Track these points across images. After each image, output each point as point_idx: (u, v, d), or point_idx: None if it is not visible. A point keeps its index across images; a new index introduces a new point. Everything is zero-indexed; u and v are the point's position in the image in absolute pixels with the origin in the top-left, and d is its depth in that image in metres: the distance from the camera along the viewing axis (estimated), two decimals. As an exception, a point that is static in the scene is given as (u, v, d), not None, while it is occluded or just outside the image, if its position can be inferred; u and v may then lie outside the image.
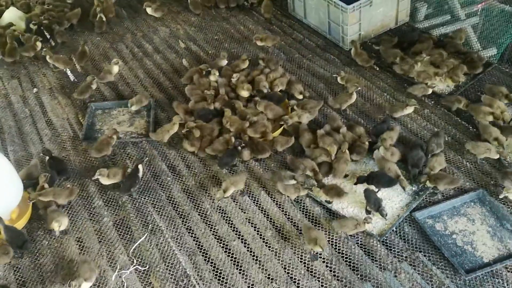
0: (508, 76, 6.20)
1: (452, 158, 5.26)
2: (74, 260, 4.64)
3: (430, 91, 5.92)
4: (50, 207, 4.92)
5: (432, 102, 5.99)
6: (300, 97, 6.03)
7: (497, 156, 5.04)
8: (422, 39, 6.71)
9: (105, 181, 5.14)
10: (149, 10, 7.81)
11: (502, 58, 6.58)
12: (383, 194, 4.92)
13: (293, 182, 4.96)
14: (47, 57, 6.92)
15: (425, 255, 4.41)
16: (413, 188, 4.95)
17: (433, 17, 7.30)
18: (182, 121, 5.66)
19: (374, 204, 4.67)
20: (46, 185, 5.08)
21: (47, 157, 5.38)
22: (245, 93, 6.01)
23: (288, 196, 4.99)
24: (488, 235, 4.50)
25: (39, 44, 7.21)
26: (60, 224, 4.73)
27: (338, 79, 6.24)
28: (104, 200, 5.19)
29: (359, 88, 5.98)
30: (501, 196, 4.71)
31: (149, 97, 6.23)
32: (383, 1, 6.87)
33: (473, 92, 6.01)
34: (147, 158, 5.57)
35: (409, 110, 5.70)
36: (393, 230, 4.61)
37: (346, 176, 5.15)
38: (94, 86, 6.39)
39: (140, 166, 5.20)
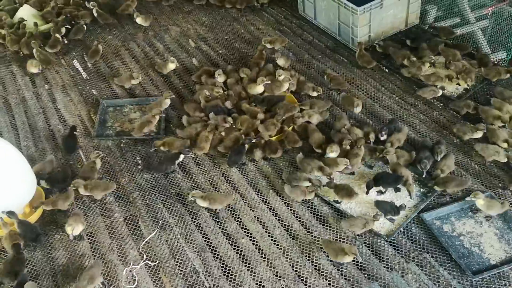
0: (517, 80, 6.23)
1: (461, 160, 5.29)
2: (86, 254, 4.72)
3: (440, 93, 5.95)
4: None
5: (441, 104, 6.02)
6: (315, 94, 6.09)
7: (505, 160, 5.06)
8: (433, 40, 6.74)
9: (82, 191, 5.07)
10: (139, 20, 7.70)
11: (511, 61, 6.60)
12: (391, 195, 4.96)
13: (307, 184, 4.99)
14: (34, 51, 7.12)
15: (432, 256, 4.45)
16: (422, 190, 4.98)
17: (442, 20, 7.32)
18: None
19: (393, 211, 4.72)
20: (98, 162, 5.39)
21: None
22: (260, 88, 6.07)
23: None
24: (496, 237, 4.53)
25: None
26: (73, 228, 4.74)
27: (325, 76, 6.40)
28: (115, 196, 5.26)
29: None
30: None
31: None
32: (394, 3, 6.90)
33: (482, 95, 6.03)
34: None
35: (479, 134, 5.37)
36: (400, 231, 4.65)
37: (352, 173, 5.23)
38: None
39: (182, 155, 5.37)
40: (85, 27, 7.81)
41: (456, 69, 6.15)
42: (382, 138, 5.38)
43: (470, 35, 6.96)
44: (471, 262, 4.35)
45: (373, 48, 6.90)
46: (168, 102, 6.04)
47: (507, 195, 4.89)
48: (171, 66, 6.83)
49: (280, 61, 6.59)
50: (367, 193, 4.91)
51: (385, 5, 6.81)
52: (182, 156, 5.41)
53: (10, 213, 4.66)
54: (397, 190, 5.00)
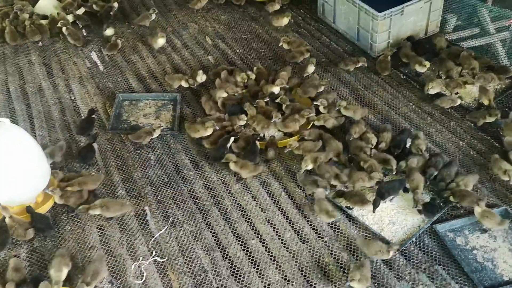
0: (537, 93, 6.15)
1: (477, 173, 5.22)
2: (95, 247, 4.72)
3: (458, 102, 5.89)
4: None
5: (459, 115, 5.96)
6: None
7: None
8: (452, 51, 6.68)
9: (58, 200, 4.97)
10: (161, 41, 7.24)
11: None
12: (404, 204, 4.91)
13: (323, 191, 4.94)
14: (64, 29, 7.36)
15: (444, 269, 4.40)
16: (436, 202, 4.92)
17: (462, 30, 7.26)
18: (216, 128, 5.58)
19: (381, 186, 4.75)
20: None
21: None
22: (276, 89, 6.05)
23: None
24: (510, 253, 4.46)
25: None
26: (57, 273, 4.38)
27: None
28: (127, 190, 5.27)
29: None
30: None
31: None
32: (415, 10, 6.84)
33: (500, 108, 5.97)
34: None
35: (492, 118, 5.56)
36: (413, 241, 4.61)
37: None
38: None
39: (232, 139, 5.39)
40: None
41: (486, 81, 6.06)
42: (395, 152, 5.31)
43: (489, 46, 6.89)
44: (483, 277, 4.29)
45: (394, 54, 6.82)
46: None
47: (522, 211, 4.83)
48: (161, 41, 7.07)
49: (310, 68, 6.51)
50: (373, 211, 4.79)
51: (406, 12, 6.76)
52: (232, 139, 5.44)
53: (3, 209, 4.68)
54: (405, 190, 4.98)
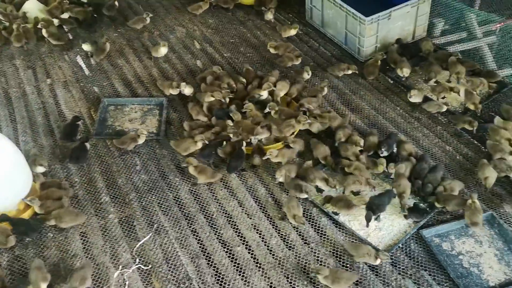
0: (523, 98, 6.17)
1: (463, 178, 5.21)
2: (78, 255, 4.65)
3: (444, 108, 5.89)
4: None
5: (445, 119, 5.95)
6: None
7: None
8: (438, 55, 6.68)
9: (38, 210, 4.82)
10: (163, 51, 7.08)
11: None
12: (391, 209, 4.88)
13: (304, 196, 4.93)
14: (43, 31, 7.30)
15: (430, 274, 4.37)
16: (422, 205, 4.90)
17: (449, 34, 7.27)
18: (205, 142, 5.44)
19: (371, 201, 4.72)
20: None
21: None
22: (264, 93, 6.02)
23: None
24: (495, 258, 4.45)
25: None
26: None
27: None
28: (112, 196, 5.20)
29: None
30: None
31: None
32: (402, 15, 6.84)
33: (486, 112, 5.97)
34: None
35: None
36: (399, 247, 4.58)
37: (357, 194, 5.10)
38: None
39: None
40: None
41: (474, 86, 6.07)
42: (382, 155, 5.29)
43: (476, 50, 6.91)
44: (469, 283, 4.27)
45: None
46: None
47: (508, 215, 4.82)
48: (163, 50, 6.97)
49: (305, 75, 6.49)
50: (367, 225, 4.73)
51: (393, 16, 6.75)
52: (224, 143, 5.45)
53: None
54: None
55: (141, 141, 5.62)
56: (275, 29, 7.69)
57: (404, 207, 4.77)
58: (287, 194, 5.13)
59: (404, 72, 6.30)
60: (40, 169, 5.24)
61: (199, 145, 5.43)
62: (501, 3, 6.82)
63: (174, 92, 6.26)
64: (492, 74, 6.35)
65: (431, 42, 6.89)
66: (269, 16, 7.78)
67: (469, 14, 7.00)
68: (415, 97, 5.98)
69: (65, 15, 7.82)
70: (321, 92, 6.20)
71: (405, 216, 4.79)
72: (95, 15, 7.92)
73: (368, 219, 4.68)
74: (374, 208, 4.71)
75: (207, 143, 5.43)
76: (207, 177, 5.22)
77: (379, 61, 6.61)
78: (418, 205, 4.88)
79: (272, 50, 6.91)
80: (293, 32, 7.32)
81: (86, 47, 7.13)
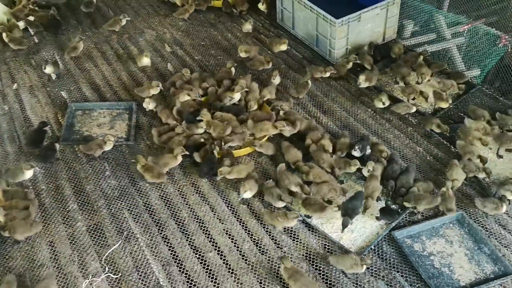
0: (491, 98, 6.25)
1: (433, 178, 5.25)
2: (45, 264, 4.51)
3: (413, 109, 5.93)
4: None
5: (416, 120, 6.00)
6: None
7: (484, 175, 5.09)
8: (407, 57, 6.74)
9: (2, 219, 4.71)
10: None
11: (485, 79, 6.65)
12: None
13: (281, 203, 4.86)
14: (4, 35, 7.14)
15: (402, 275, 4.38)
16: (393, 207, 4.92)
17: (419, 35, 7.35)
18: (184, 153, 5.31)
19: (345, 207, 4.70)
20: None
21: None
22: (237, 95, 5.99)
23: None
24: (466, 258, 4.49)
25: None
26: None
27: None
28: (79, 204, 5.06)
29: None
30: None
31: None
32: (372, 17, 6.88)
33: (455, 113, 6.04)
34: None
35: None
36: (371, 248, 4.58)
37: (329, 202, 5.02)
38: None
39: (215, 151, 5.28)
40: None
41: (445, 87, 6.13)
42: (356, 155, 5.29)
43: (445, 51, 7.00)
44: (440, 283, 4.29)
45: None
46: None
47: (477, 214, 4.87)
48: (145, 60, 6.83)
49: (276, 80, 6.41)
50: (342, 231, 4.67)
51: (363, 18, 6.78)
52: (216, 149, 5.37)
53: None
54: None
55: (108, 147, 5.49)
56: (246, 32, 7.65)
57: (367, 209, 4.78)
58: (259, 199, 5.08)
59: (361, 79, 6.27)
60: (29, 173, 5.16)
61: (179, 158, 5.30)
62: (469, 5, 6.92)
63: (155, 91, 6.13)
64: (460, 75, 6.44)
65: (401, 44, 6.93)
66: (248, 27, 7.54)
67: (438, 16, 7.10)
68: (364, 83, 6.15)
69: (31, 18, 7.62)
70: (273, 78, 6.26)
71: (377, 218, 4.80)
72: (58, 18, 7.75)
73: (345, 225, 4.64)
74: (350, 213, 4.68)
75: (187, 153, 5.33)
76: (153, 175, 5.15)
77: (351, 63, 6.61)
78: (389, 207, 4.89)
79: (242, 54, 6.85)
80: (284, 47, 7.04)
81: (49, 69, 6.61)
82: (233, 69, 6.51)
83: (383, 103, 6.02)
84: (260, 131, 5.56)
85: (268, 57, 6.77)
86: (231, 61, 6.58)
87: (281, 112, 5.83)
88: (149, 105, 6.02)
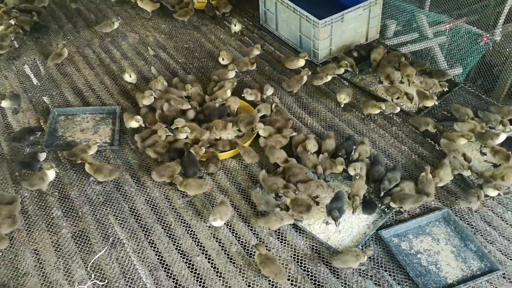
0: (473, 96, 6.31)
1: (419, 176, 5.27)
2: (29, 273, 4.43)
3: (397, 110, 5.96)
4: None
5: (400, 119, 6.03)
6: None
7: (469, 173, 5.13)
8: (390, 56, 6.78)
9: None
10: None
11: (467, 78, 6.72)
12: (349, 212, 4.88)
13: (278, 209, 4.85)
14: None
15: (390, 274, 4.40)
16: (380, 206, 4.93)
17: (401, 35, 7.41)
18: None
19: (330, 208, 4.71)
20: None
21: None
22: (228, 93, 6.03)
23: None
24: (452, 255, 4.52)
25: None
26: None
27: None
28: (64, 211, 4.99)
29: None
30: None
31: None
32: (355, 17, 6.91)
33: (439, 111, 6.09)
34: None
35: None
36: (359, 248, 4.57)
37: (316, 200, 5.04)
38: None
39: (192, 150, 5.25)
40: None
41: (428, 87, 6.18)
42: (342, 156, 5.29)
43: (428, 50, 7.06)
44: (428, 281, 4.31)
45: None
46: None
47: (463, 212, 4.91)
48: (127, 77, 6.50)
49: (269, 92, 6.29)
50: (337, 225, 4.71)
51: (346, 19, 6.81)
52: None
53: None
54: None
55: (92, 151, 5.42)
56: (230, 34, 7.63)
57: (355, 209, 4.78)
58: (245, 201, 5.06)
59: (341, 98, 6.18)
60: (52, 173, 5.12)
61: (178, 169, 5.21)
62: (450, 4, 7.00)
63: (147, 102, 5.93)
64: (442, 73, 6.49)
65: (382, 49, 6.88)
66: (236, 28, 7.48)
67: (419, 15, 7.17)
68: (345, 101, 6.10)
69: (12, 22, 7.50)
70: (301, 81, 6.34)
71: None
72: (41, 23, 7.66)
73: (335, 218, 4.64)
74: (337, 215, 4.68)
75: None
76: (104, 175, 5.12)
77: (342, 69, 6.59)
78: (370, 200, 4.91)
79: (222, 62, 6.72)
80: (302, 62, 6.64)
81: (5, 104, 6.10)
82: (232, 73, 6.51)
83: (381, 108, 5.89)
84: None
85: (252, 58, 6.75)
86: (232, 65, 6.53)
87: (273, 106, 5.92)
88: (130, 123, 5.77)
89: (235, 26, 6.29)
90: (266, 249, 4.60)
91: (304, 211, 4.77)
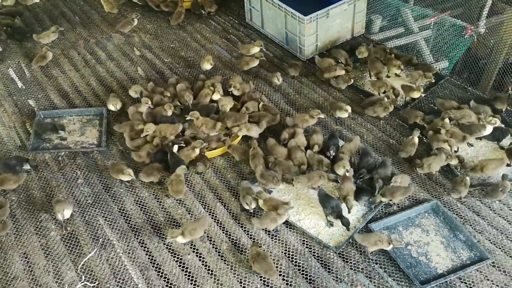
0: (459, 88, 6.36)
1: (407, 169, 5.31)
2: (18, 277, 4.38)
3: (391, 109, 5.95)
4: None
5: (387, 113, 6.05)
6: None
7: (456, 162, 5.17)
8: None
9: None
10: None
11: (453, 70, 6.77)
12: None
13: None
14: None
15: (381, 267, 4.41)
16: (369, 199, 4.94)
17: (387, 30, 7.44)
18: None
19: (333, 211, 4.67)
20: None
21: None
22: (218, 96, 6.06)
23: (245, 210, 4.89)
24: (442, 246, 4.55)
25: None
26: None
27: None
28: (52, 213, 4.94)
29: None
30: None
31: None
32: (340, 13, 6.93)
33: (426, 104, 6.12)
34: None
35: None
36: (349, 242, 4.59)
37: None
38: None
39: (175, 146, 5.29)
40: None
41: (413, 79, 6.21)
42: (330, 155, 5.30)
43: (413, 44, 7.10)
44: (418, 272, 4.34)
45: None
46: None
47: (451, 203, 4.94)
48: (111, 105, 6.06)
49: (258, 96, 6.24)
50: (348, 229, 4.68)
51: (331, 14, 6.82)
52: (176, 146, 5.33)
53: None
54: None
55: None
56: (216, 32, 7.63)
57: (351, 209, 4.78)
58: (235, 199, 5.05)
59: (276, 79, 6.34)
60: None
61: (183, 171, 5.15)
62: (434, -3, 7.06)
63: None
64: (427, 67, 6.52)
65: (365, 47, 6.86)
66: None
67: (404, 10, 7.19)
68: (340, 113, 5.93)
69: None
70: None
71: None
72: (22, 26, 7.59)
73: (346, 224, 4.63)
74: (340, 213, 4.70)
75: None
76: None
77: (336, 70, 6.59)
78: (361, 187, 4.94)
79: (207, 67, 6.70)
80: (256, 49, 6.79)
81: (131, 93, 6.18)
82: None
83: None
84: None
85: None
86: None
87: (261, 105, 5.91)
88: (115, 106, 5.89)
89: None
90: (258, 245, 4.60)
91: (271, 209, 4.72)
